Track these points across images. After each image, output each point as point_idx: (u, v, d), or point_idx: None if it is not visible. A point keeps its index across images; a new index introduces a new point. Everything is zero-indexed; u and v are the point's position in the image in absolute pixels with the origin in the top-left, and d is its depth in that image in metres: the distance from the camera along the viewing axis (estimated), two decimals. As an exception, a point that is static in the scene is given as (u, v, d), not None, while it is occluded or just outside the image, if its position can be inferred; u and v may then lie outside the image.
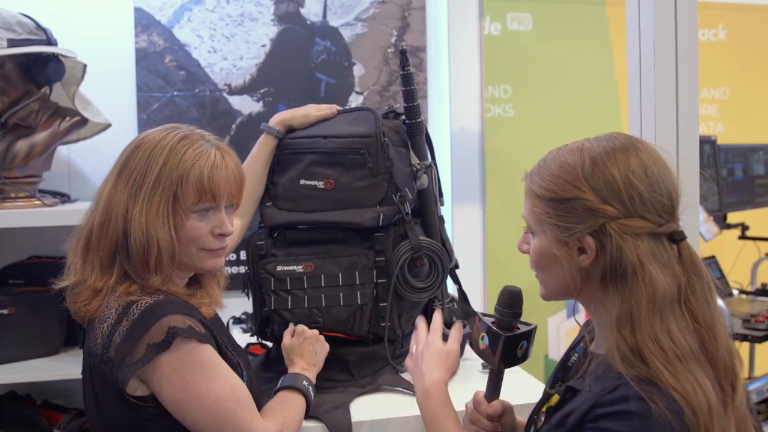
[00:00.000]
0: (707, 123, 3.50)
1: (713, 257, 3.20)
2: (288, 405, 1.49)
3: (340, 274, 1.70)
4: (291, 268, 1.74)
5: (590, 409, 1.05)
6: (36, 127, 1.98)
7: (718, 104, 3.50)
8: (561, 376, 1.27)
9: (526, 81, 2.74)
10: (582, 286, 1.15)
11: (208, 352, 1.34)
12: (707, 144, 3.21)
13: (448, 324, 1.92)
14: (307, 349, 1.62)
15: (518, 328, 1.29)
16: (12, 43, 1.89)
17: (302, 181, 1.77)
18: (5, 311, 1.98)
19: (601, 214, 1.10)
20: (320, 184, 1.76)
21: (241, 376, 1.41)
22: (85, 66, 2.04)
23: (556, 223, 1.13)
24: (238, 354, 1.49)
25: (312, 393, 1.54)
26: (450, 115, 2.53)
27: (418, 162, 1.81)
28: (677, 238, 1.11)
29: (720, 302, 2.68)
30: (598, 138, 1.18)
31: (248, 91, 2.42)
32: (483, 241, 2.51)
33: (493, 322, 1.30)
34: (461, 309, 1.94)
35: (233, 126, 2.41)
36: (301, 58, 2.44)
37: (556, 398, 1.23)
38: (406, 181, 1.79)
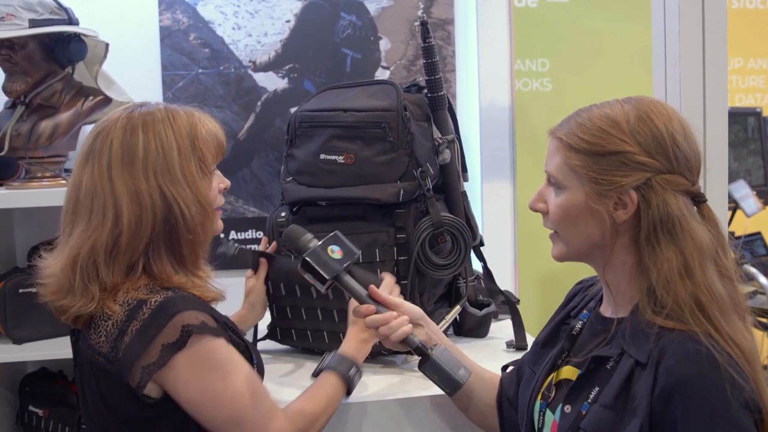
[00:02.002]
0: (754, 95, 3.37)
1: (758, 234, 3.08)
2: (328, 398, 1.39)
3: (360, 252, 1.67)
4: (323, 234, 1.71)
5: (656, 380, 1.03)
6: (59, 107, 1.99)
7: (766, 75, 3.36)
8: (568, 345, 1.22)
9: (564, 54, 2.66)
10: (610, 241, 1.14)
11: (223, 347, 1.30)
12: (752, 116, 3.09)
13: (473, 302, 1.88)
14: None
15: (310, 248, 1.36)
16: (33, 23, 1.89)
17: (322, 156, 1.74)
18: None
19: (648, 168, 1.10)
20: (340, 159, 1.72)
21: (250, 360, 1.38)
22: (107, 45, 2.04)
23: (596, 176, 1.12)
24: (244, 341, 1.45)
25: (357, 380, 1.44)
26: (479, 89, 2.47)
27: (440, 136, 1.76)
28: (700, 199, 1.13)
29: (763, 279, 2.60)
30: (630, 98, 1.17)
31: (273, 67, 2.39)
32: (513, 219, 2.46)
33: (301, 266, 1.36)
34: (486, 287, 1.89)
35: (258, 103, 2.39)
36: (326, 33, 2.40)
37: (570, 370, 1.18)
38: (428, 156, 1.74)
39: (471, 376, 1.37)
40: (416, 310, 1.42)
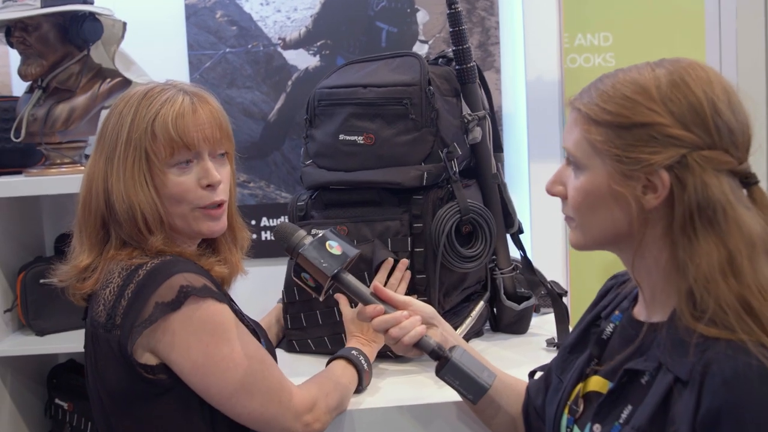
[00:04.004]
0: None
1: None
2: (332, 374, 1.35)
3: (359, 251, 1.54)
4: (319, 232, 1.58)
5: (700, 401, 0.85)
6: (76, 90, 1.91)
7: None
8: (597, 352, 1.05)
9: (629, 28, 2.43)
10: (642, 232, 0.95)
11: (227, 312, 1.21)
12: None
13: (511, 295, 1.71)
14: (366, 324, 1.47)
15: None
16: (45, 3, 1.81)
17: (341, 136, 1.61)
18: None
19: (682, 143, 0.91)
20: (360, 139, 1.59)
21: (259, 341, 1.29)
22: (125, 24, 1.94)
23: (620, 153, 0.94)
24: (252, 322, 1.37)
25: (365, 365, 1.40)
26: (525, 62, 2.28)
27: (469, 113, 1.59)
28: (751, 180, 0.92)
29: None
30: (663, 60, 0.97)
31: (304, 44, 2.26)
32: (564, 202, 2.26)
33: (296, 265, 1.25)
34: (526, 278, 1.72)
35: (289, 83, 2.26)
36: (360, 6, 2.25)
37: (600, 381, 1.02)
38: (456, 135, 1.58)
39: (494, 382, 1.21)
40: (428, 308, 1.27)
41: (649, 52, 2.37)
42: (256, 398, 1.20)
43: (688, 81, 0.92)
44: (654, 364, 0.93)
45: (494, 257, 1.69)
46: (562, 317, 1.65)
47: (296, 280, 1.25)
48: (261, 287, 1.83)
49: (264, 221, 2.29)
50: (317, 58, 2.26)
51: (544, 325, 1.77)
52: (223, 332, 1.20)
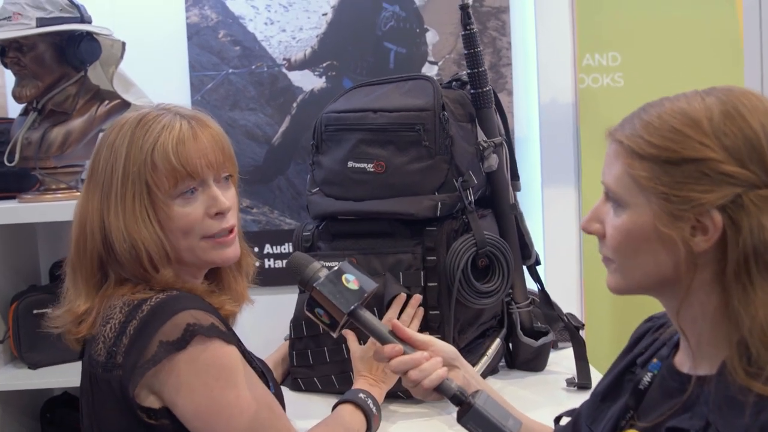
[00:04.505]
0: None
1: None
2: (340, 421, 1.28)
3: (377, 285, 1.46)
4: (332, 264, 1.50)
5: None
6: (72, 112, 1.83)
7: None
8: (633, 403, 0.96)
9: (638, 47, 2.35)
10: (686, 277, 0.86)
11: (234, 354, 1.14)
12: None
13: (528, 330, 1.62)
14: (374, 363, 1.40)
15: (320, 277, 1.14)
16: (41, 22, 1.73)
17: (350, 164, 1.53)
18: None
19: (737, 181, 0.82)
20: (370, 167, 1.51)
21: (267, 386, 1.21)
22: (123, 44, 1.87)
23: (667, 191, 0.85)
24: (260, 363, 1.29)
25: (374, 409, 1.32)
26: (538, 84, 2.20)
27: (485, 139, 1.51)
28: None
29: None
30: (714, 89, 0.89)
31: (309, 65, 2.18)
32: (579, 229, 2.18)
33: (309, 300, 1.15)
34: (543, 312, 1.63)
35: (294, 104, 2.18)
36: (367, 26, 2.18)
37: None
38: (471, 163, 1.51)
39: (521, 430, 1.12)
40: (449, 348, 1.18)
41: (662, 73, 2.33)
42: None
43: (743, 112, 0.84)
44: (701, 423, 0.85)
45: (510, 291, 1.60)
46: (581, 354, 1.57)
47: (309, 314, 1.16)
48: (265, 316, 1.75)
49: (267, 248, 2.21)
50: (323, 79, 2.19)
51: (561, 361, 1.68)
52: (230, 376, 1.12)
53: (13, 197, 1.89)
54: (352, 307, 1.10)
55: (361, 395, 1.33)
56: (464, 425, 1.07)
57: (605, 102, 2.31)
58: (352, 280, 1.13)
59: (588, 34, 2.24)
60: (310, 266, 1.13)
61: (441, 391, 1.09)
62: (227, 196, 1.22)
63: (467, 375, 1.19)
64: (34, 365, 1.89)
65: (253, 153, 2.19)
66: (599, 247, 0.96)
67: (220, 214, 1.19)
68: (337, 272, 1.13)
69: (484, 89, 1.52)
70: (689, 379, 0.89)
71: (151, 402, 1.11)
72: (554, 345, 1.72)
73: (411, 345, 1.13)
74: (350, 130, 1.53)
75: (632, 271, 0.91)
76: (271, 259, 2.20)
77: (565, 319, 1.62)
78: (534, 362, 1.63)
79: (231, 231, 1.22)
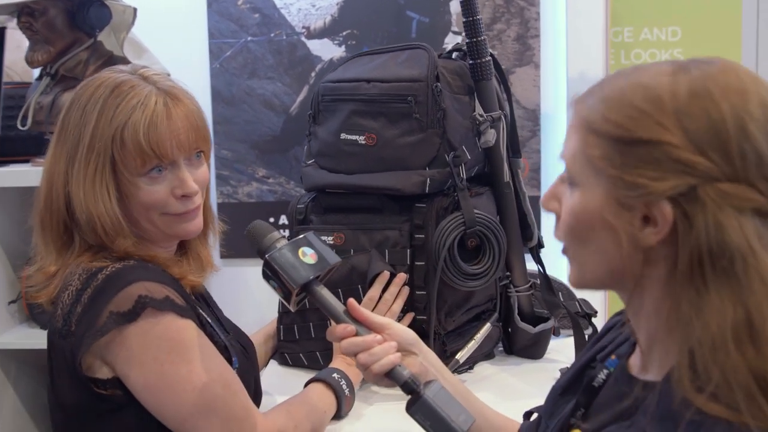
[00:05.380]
0: None
1: None
2: (307, 401, 1.24)
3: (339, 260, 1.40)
4: (322, 238, 1.46)
5: None
6: (82, 78, 1.83)
7: None
8: (584, 401, 0.89)
9: (699, 22, 2.21)
10: (639, 272, 0.78)
11: (189, 328, 1.11)
12: None
13: (527, 315, 1.55)
14: None
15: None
16: (50, -14, 1.74)
17: (343, 135, 1.48)
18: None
19: (693, 171, 0.72)
20: (361, 139, 1.45)
21: (229, 361, 1.18)
22: (135, 10, 1.87)
23: (617, 174, 0.76)
24: (229, 336, 1.26)
25: (346, 390, 1.28)
26: (567, 57, 2.09)
27: (481, 113, 1.43)
28: None
29: None
30: (696, 60, 0.78)
31: (329, 34, 2.13)
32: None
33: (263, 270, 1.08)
34: (544, 299, 1.55)
35: (312, 74, 2.14)
36: (389, -7, 2.11)
37: None
38: (465, 138, 1.43)
39: (479, 424, 1.06)
40: (408, 333, 1.12)
41: (723, 49, 2.18)
42: (214, 424, 1.10)
43: (713, 91, 0.73)
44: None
45: (508, 273, 1.53)
46: (582, 344, 1.48)
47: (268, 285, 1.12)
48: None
49: (283, 219, 2.18)
50: (342, 48, 2.14)
51: (564, 349, 1.60)
52: (181, 350, 1.10)
53: (27, 161, 1.92)
54: (304, 282, 1.05)
55: (335, 375, 1.29)
56: (412, 416, 1.02)
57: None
58: (309, 254, 1.08)
59: (621, 5, 2.11)
60: (268, 236, 1.08)
61: (391, 378, 1.04)
62: (198, 174, 1.19)
63: (426, 362, 1.13)
64: (45, 325, 1.92)
65: (271, 122, 2.16)
66: (554, 230, 0.88)
67: (186, 196, 1.17)
68: (294, 244, 1.08)
69: (483, 60, 1.44)
70: (636, 383, 0.81)
71: (104, 373, 1.10)
72: (556, 332, 1.63)
73: (366, 326, 1.08)
74: (344, 100, 1.48)
75: (584, 263, 0.83)
76: (286, 231, 2.17)
77: (567, 307, 1.53)
78: (532, 349, 1.56)
79: (194, 210, 1.19)
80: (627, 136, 0.76)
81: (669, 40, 2.24)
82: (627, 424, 0.79)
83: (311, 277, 1.06)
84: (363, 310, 1.08)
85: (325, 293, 1.08)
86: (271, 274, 1.07)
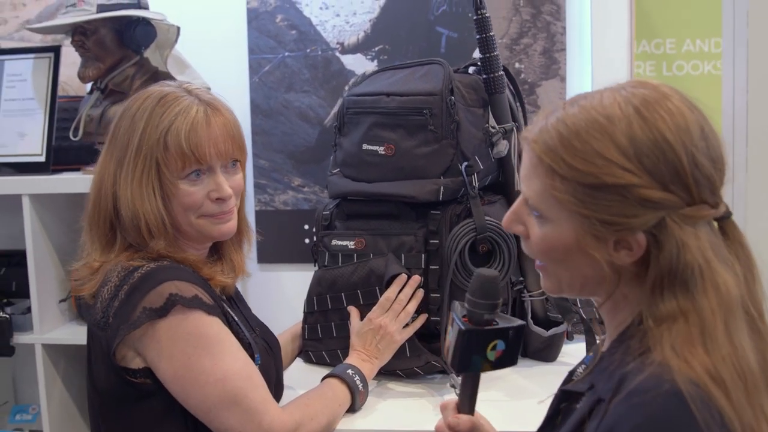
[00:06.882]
0: None
1: None
2: (323, 395, 1.32)
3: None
4: (344, 243, 1.55)
5: (603, 419, 0.79)
6: (129, 92, 1.97)
7: None
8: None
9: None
10: (612, 283, 0.87)
11: (215, 325, 1.21)
12: None
13: (540, 320, 1.61)
14: (369, 339, 1.44)
15: (495, 323, 0.97)
16: (101, 8, 1.88)
17: (365, 146, 1.57)
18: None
19: (662, 205, 0.82)
20: (381, 150, 1.54)
21: (252, 357, 1.27)
22: (178, 28, 1.99)
23: (590, 215, 0.84)
24: (255, 334, 1.35)
25: (359, 385, 1.36)
26: (592, 70, 2.14)
27: (493, 125, 1.51)
28: (725, 216, 0.84)
29: None
30: (631, 94, 0.85)
31: (362, 49, 2.23)
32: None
33: (464, 315, 0.98)
34: (557, 304, 1.61)
35: (346, 87, 2.24)
36: (420, 10, 2.19)
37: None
38: (478, 148, 1.51)
39: None
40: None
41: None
42: (235, 415, 1.19)
43: (666, 133, 0.81)
44: (587, 386, 0.87)
45: (522, 279, 1.59)
46: (592, 347, 1.53)
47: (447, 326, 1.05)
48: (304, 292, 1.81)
49: (316, 226, 2.28)
50: (375, 62, 2.23)
51: (576, 353, 1.65)
52: (207, 345, 1.19)
53: (78, 169, 2.06)
54: (476, 371, 1.01)
55: (350, 371, 1.37)
56: None
57: (710, 90, 2.20)
58: (499, 351, 0.99)
59: (645, 20, 2.15)
60: (488, 313, 0.99)
61: None
62: (233, 181, 1.30)
63: None
64: (91, 323, 2.06)
65: (306, 134, 2.27)
66: (523, 245, 0.95)
67: (221, 199, 1.27)
68: (487, 333, 0.99)
69: (496, 74, 1.51)
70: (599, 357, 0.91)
71: (137, 363, 1.21)
72: (570, 337, 1.68)
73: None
74: (366, 113, 1.57)
75: (560, 274, 0.91)
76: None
77: (581, 312, 1.58)
78: (545, 352, 1.62)
79: (228, 212, 1.30)
80: (596, 183, 0.83)
81: (712, 51, 2.27)
82: (581, 382, 0.90)
83: (478, 370, 1.00)
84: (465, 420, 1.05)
85: (476, 385, 1.05)
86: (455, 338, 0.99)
